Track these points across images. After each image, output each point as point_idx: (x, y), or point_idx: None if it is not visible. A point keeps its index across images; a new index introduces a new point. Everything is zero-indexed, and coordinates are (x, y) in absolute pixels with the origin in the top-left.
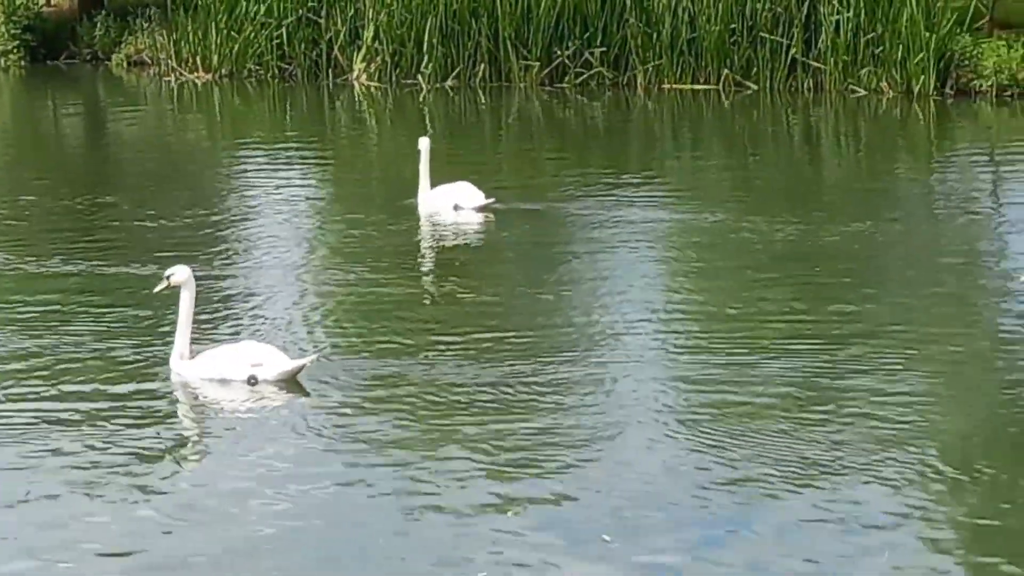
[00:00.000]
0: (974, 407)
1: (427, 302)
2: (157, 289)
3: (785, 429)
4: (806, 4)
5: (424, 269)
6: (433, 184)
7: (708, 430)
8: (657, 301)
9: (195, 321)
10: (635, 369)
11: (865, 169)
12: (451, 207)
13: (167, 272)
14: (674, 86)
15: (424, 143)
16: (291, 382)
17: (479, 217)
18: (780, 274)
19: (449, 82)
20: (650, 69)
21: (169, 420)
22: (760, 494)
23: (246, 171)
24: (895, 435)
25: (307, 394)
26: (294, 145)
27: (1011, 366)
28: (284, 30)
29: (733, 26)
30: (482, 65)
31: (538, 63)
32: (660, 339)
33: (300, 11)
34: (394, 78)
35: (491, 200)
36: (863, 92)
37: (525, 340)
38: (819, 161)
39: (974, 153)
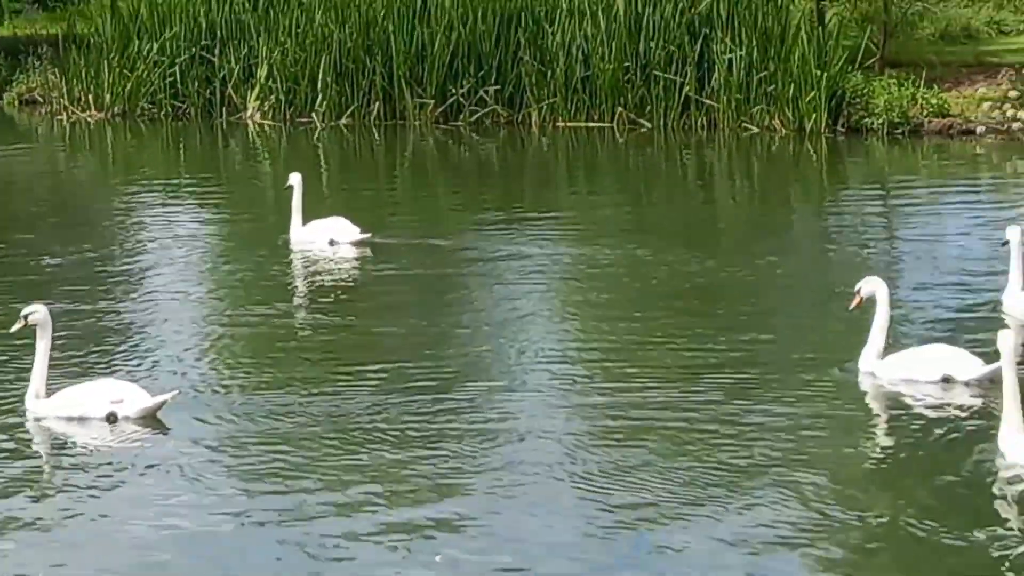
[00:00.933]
0: (860, 433)
1: (299, 336)
2: (14, 328)
3: (678, 455)
4: (699, 43)
5: (296, 303)
6: (307, 219)
7: (599, 457)
8: (545, 332)
9: (69, 357)
10: (524, 399)
11: (758, 205)
12: (326, 242)
13: (25, 311)
14: (568, 124)
15: (296, 179)
16: (152, 418)
17: (354, 251)
18: (673, 307)
19: (343, 120)
20: (545, 107)
21: (22, 458)
22: (653, 519)
23: (136, 209)
24: (785, 458)
25: (167, 430)
26: (186, 183)
27: (896, 394)
28: (177, 68)
29: (627, 64)
30: (377, 103)
31: (433, 101)
32: (549, 370)
33: (193, 49)
34: (288, 116)
35: (367, 235)
36: (756, 130)
37: (401, 371)
38: (713, 197)
39: (866, 190)
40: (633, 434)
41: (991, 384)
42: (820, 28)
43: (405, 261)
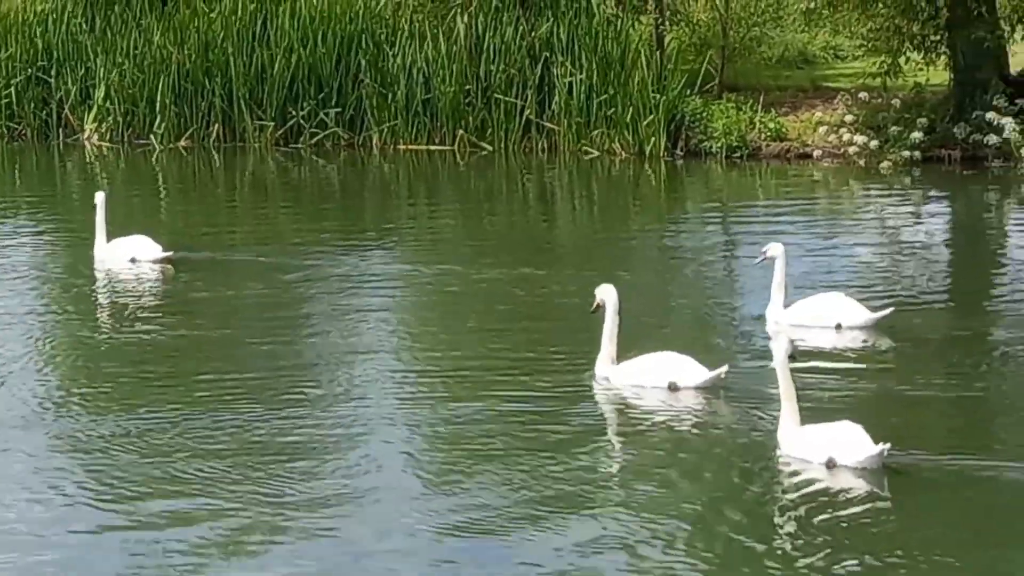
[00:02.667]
0: (686, 450)
1: (96, 352)
2: None
3: (519, 469)
4: (540, 66)
5: (98, 321)
6: (111, 237)
7: (433, 467)
8: (377, 347)
9: None
10: (355, 412)
11: (599, 226)
12: (128, 259)
13: None
14: (409, 147)
15: (99, 197)
16: None
17: (156, 269)
18: (510, 324)
19: (182, 142)
20: (385, 129)
21: None
22: (497, 536)
23: None
24: (611, 473)
25: None
26: (22, 205)
27: (718, 411)
28: (13, 89)
29: (468, 87)
30: (216, 125)
31: (273, 123)
32: (383, 383)
33: (29, 70)
34: (126, 138)
35: (169, 252)
36: (596, 153)
37: (224, 383)
38: (553, 219)
39: (705, 212)
40: (470, 451)
41: (712, 388)
42: (659, 52)
43: (225, 279)
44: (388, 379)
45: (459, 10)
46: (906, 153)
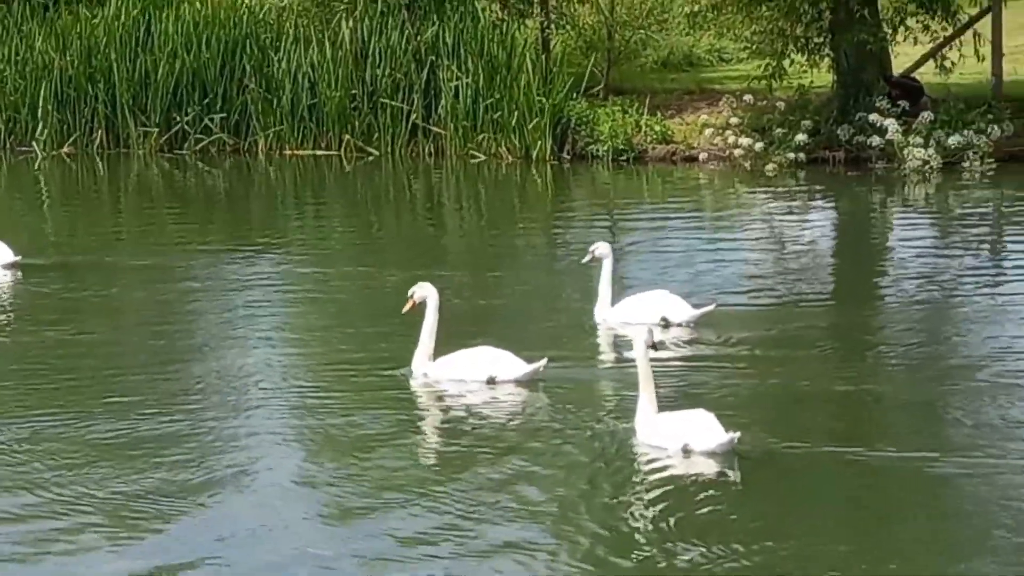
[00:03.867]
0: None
1: None
2: None
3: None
4: (426, 70)
5: None
6: None
7: (302, 468)
8: (257, 349)
9: None
10: (232, 416)
11: (486, 230)
12: None
13: None
14: (296, 152)
15: None
16: None
17: (7, 275)
18: (396, 324)
19: (65, 149)
20: (271, 135)
21: None
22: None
23: None
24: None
25: None
26: None
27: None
28: None
29: (354, 92)
30: (99, 131)
31: (157, 129)
32: (264, 387)
33: None
34: (8, 145)
35: (18, 258)
36: (483, 157)
37: (84, 385)
38: (440, 223)
39: (592, 215)
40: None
41: (532, 382)
42: (545, 56)
43: (105, 281)
44: (251, 378)
45: (344, 15)
46: (791, 155)
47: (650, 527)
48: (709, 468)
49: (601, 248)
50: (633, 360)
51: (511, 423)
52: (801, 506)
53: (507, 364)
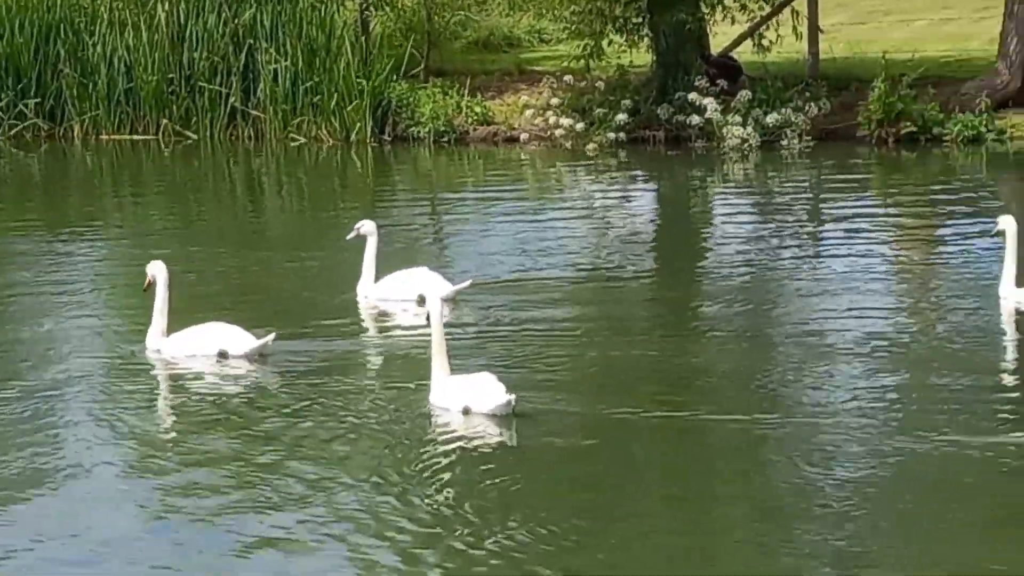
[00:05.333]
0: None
1: None
2: None
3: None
4: (244, 53)
5: None
6: None
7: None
8: (70, 331)
9: None
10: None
11: (305, 212)
12: None
13: None
14: (113, 136)
15: None
16: None
17: None
18: (214, 307)
19: None
20: (87, 119)
21: None
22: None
23: None
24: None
25: None
26: None
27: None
28: None
29: (171, 76)
30: None
31: None
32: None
33: None
34: None
35: None
36: (303, 140)
37: None
38: (260, 205)
39: (414, 197)
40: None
41: (261, 357)
42: (364, 38)
43: None
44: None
45: None
46: (611, 135)
47: (427, 488)
48: (489, 428)
49: (366, 226)
50: (395, 331)
51: (262, 396)
52: (573, 465)
53: (237, 339)
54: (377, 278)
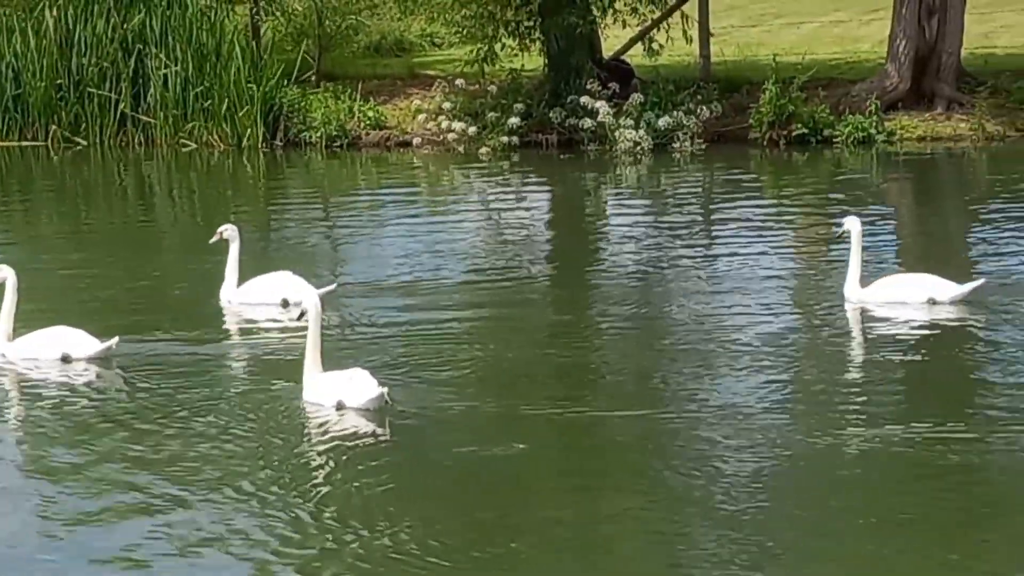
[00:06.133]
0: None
1: None
2: None
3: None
4: (134, 59)
5: None
6: None
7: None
8: None
9: None
10: None
11: (198, 218)
12: None
13: None
14: (1, 143)
15: None
16: None
17: None
18: (108, 311)
19: None
20: None
21: None
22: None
23: None
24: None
25: None
26: None
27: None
28: None
29: (60, 81)
30: None
31: None
32: None
33: None
34: None
35: None
36: (194, 145)
37: None
38: (149, 211)
39: (306, 202)
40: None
41: (104, 358)
42: (255, 43)
43: None
44: None
45: (48, 3)
46: (504, 139)
47: (299, 482)
48: (359, 422)
49: (229, 230)
50: (258, 334)
51: (122, 400)
52: (464, 460)
53: (80, 342)
54: (249, 281)
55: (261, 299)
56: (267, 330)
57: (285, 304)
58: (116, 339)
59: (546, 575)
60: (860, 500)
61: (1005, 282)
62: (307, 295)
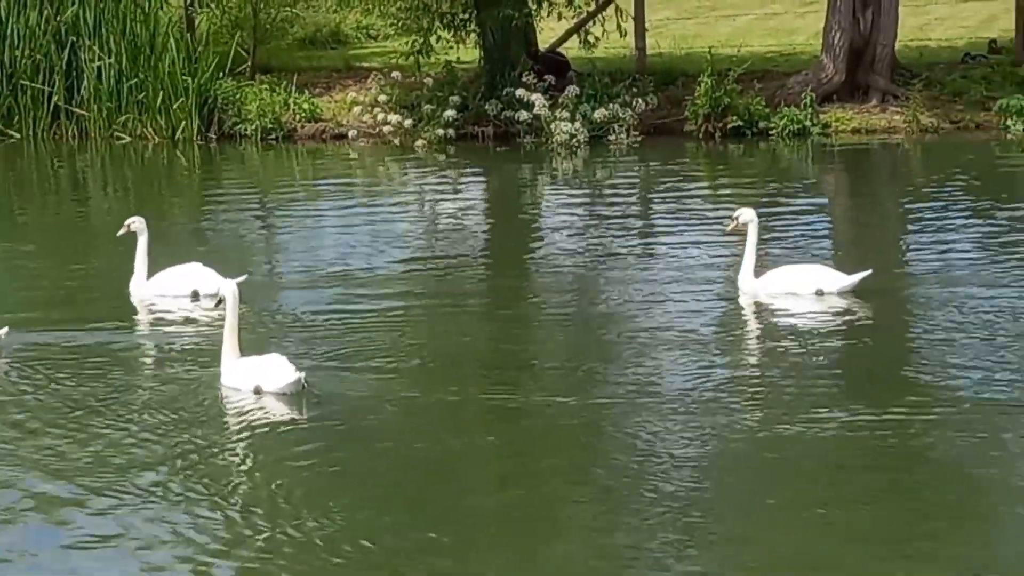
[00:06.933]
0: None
1: None
2: None
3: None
4: (67, 51)
5: None
6: None
7: None
8: None
9: None
10: None
11: (131, 210)
12: None
13: None
14: None
15: None
16: None
17: None
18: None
19: None
20: None
21: None
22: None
23: None
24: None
25: None
26: None
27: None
28: None
29: None
30: None
31: None
32: None
33: None
34: None
35: None
36: (128, 138)
37: None
38: (83, 204)
39: (242, 194)
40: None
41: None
42: (190, 35)
43: None
44: None
45: None
46: (440, 131)
47: (214, 468)
48: (277, 406)
49: (136, 222)
50: (169, 325)
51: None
52: (393, 444)
53: None
54: (158, 273)
55: (171, 291)
56: (178, 321)
57: (196, 296)
58: (5, 328)
59: (473, 563)
60: (789, 484)
61: (912, 271)
62: (224, 282)
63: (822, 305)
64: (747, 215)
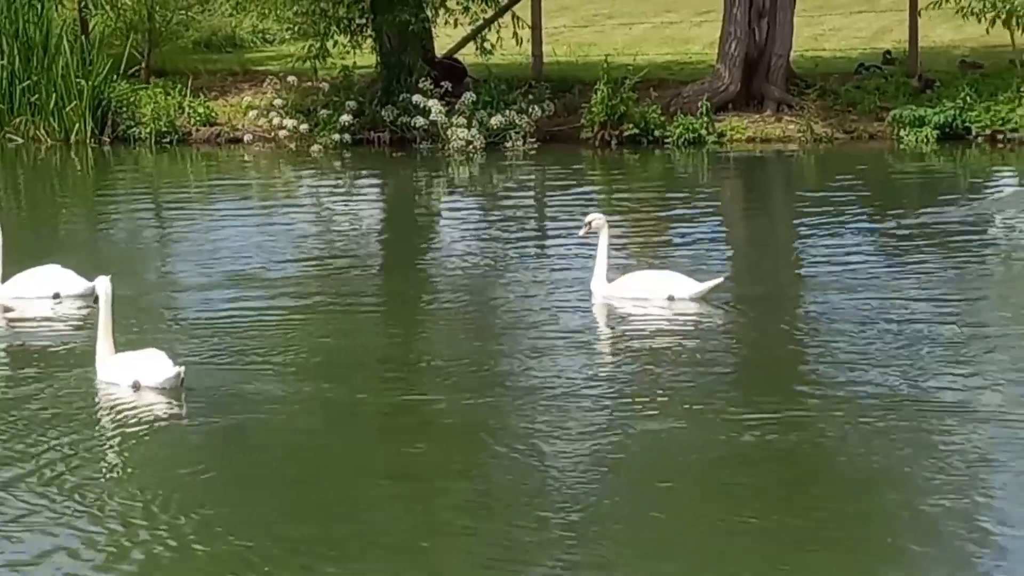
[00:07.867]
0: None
1: None
2: None
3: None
4: None
5: None
6: None
7: None
8: None
9: None
10: None
11: (24, 213)
12: None
13: None
14: None
15: None
16: None
17: None
18: None
19: None
20: None
21: None
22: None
23: None
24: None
25: None
26: None
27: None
28: None
29: None
30: None
31: None
32: None
33: None
34: None
35: None
36: (21, 140)
37: None
38: None
39: (136, 197)
40: None
41: None
42: (84, 37)
43: None
44: None
45: None
46: (336, 136)
47: (95, 466)
48: (158, 400)
49: None
50: (30, 326)
51: None
52: (258, 444)
53: None
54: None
55: (29, 293)
56: (39, 322)
57: (57, 297)
58: None
59: (355, 561)
60: (668, 480)
61: (795, 277)
62: (98, 279)
63: (685, 308)
64: (598, 220)
